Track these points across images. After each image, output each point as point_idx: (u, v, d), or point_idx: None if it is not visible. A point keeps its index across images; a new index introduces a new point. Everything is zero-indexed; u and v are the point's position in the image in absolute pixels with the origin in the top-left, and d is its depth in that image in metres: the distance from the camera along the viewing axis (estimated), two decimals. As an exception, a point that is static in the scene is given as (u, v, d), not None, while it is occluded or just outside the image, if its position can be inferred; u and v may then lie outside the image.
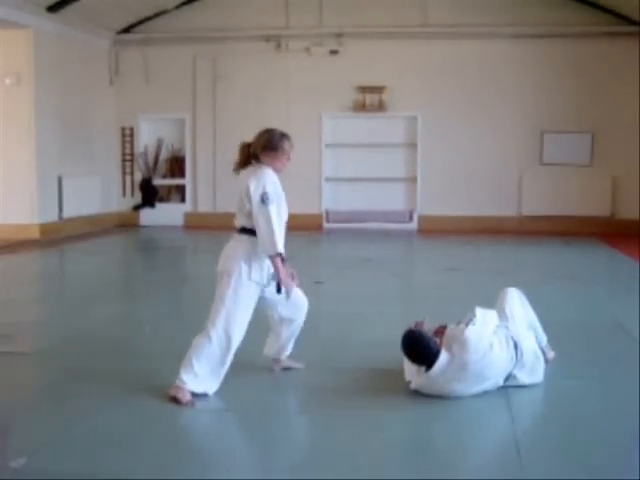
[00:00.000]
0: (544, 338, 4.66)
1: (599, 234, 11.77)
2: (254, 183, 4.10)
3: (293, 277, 4.25)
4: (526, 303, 4.65)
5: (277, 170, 4.23)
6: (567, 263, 9.51)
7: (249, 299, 4.15)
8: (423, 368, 4.17)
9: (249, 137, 4.27)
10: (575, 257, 10.08)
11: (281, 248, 4.08)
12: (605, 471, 3.29)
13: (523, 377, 4.27)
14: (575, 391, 4.37)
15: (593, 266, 9.48)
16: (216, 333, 4.08)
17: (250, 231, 4.13)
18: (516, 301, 4.57)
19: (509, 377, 4.23)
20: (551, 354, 4.68)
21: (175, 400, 4.02)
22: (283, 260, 4.14)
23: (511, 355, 4.22)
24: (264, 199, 4.05)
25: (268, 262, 4.13)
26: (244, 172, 4.24)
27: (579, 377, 4.54)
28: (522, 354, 4.26)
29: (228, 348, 4.10)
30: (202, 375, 4.08)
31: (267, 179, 4.13)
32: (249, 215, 4.11)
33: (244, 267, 4.10)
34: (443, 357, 4.09)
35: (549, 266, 9.27)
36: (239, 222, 4.21)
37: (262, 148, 4.19)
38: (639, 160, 11.99)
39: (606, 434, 3.68)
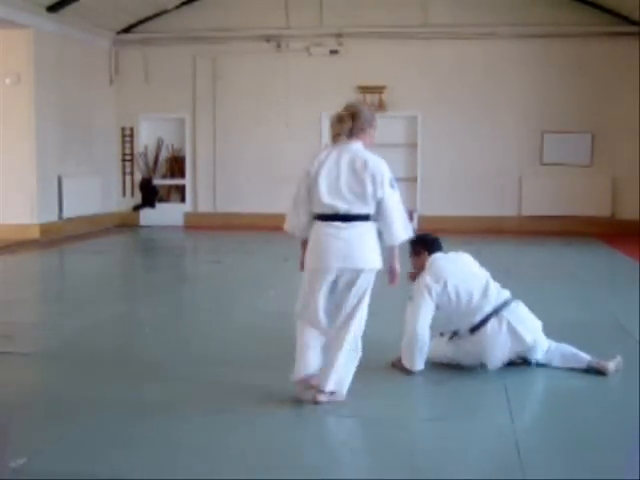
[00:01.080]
0: (586, 358, 4.61)
1: (599, 234, 11.77)
2: (379, 168, 3.92)
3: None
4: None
5: (367, 146, 4.07)
6: (567, 263, 9.51)
7: None
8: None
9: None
10: (575, 257, 10.08)
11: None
12: (605, 471, 3.29)
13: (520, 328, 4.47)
14: (575, 391, 4.37)
15: (593, 266, 9.47)
16: (357, 342, 4.02)
17: (369, 217, 3.97)
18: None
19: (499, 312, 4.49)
20: (605, 364, 4.55)
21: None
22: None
23: (496, 291, 4.57)
24: (392, 184, 3.95)
25: None
26: (343, 153, 3.97)
27: (579, 377, 4.54)
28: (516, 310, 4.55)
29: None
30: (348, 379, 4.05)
31: (384, 164, 3.99)
32: (373, 201, 3.92)
33: (380, 259, 3.98)
34: (440, 253, 4.72)
35: (549, 266, 9.27)
36: (357, 208, 3.93)
37: (362, 123, 4.00)
38: (639, 160, 12.00)
39: (606, 434, 3.68)
